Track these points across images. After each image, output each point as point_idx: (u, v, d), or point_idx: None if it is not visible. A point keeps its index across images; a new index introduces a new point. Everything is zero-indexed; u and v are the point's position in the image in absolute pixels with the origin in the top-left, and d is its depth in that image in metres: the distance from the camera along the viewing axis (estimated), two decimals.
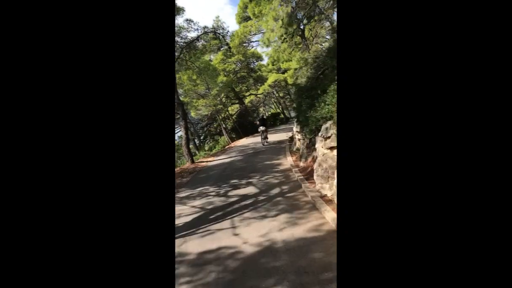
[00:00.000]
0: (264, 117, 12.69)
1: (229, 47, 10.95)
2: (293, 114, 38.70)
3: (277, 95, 35.86)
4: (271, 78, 28.93)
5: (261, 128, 11.10)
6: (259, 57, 22.67)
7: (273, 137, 13.46)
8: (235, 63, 21.28)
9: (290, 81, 30.73)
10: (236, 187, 5.68)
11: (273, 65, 33.59)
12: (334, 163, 3.72)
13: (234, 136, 20.41)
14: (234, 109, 25.27)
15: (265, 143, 11.14)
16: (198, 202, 5.13)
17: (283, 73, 31.98)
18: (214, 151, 16.51)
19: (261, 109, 41.12)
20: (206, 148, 20.55)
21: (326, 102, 4.44)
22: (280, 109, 36.62)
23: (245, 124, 20.24)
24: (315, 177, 4.23)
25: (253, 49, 25.18)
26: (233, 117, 21.18)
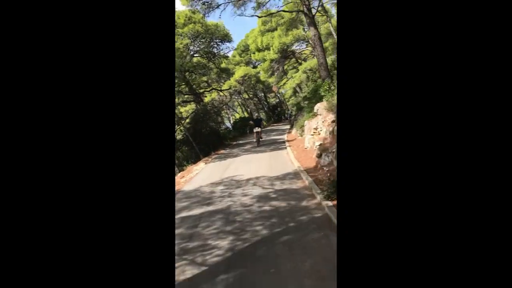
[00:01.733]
0: (260, 118, 12.52)
1: None
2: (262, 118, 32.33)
3: (243, 96, 28.99)
4: (240, 71, 22.04)
5: (257, 129, 10.74)
6: (225, 36, 15.59)
7: (255, 167, 6.52)
8: (189, 37, 13.85)
9: (263, 76, 24.14)
10: None
11: (241, 56, 26.75)
12: None
13: (186, 149, 13.07)
14: (189, 110, 17.73)
15: (260, 144, 10.65)
16: None
17: (254, 67, 25.38)
18: None
19: (223, 112, 33.90)
20: None
21: None
22: (248, 113, 29.77)
23: (203, 134, 12.88)
24: None
25: (219, 20, 18.08)
26: (185, 122, 13.72)
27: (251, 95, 27.62)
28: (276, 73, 22.63)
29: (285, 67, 23.66)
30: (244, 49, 25.47)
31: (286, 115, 31.65)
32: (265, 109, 30.73)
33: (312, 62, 16.63)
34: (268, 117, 30.26)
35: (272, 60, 20.07)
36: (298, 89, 22.06)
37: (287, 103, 38.21)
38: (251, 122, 12.12)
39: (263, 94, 30.64)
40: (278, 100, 35.35)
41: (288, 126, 20.60)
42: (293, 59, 23.80)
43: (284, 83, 25.61)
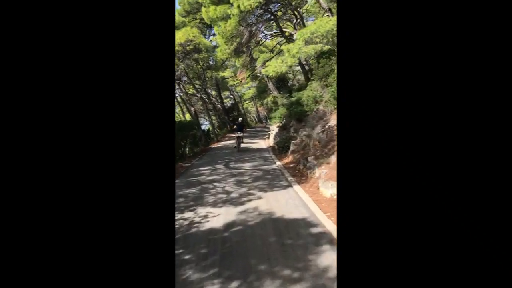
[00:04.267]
0: (242, 122, 10.60)
1: None
2: (207, 124, 21.38)
3: (188, 89, 18.29)
4: (179, 34, 11.87)
5: (239, 133, 9.71)
6: None
7: None
8: None
9: (221, 52, 13.95)
10: None
11: (184, 17, 16.38)
12: None
13: None
14: None
15: (240, 148, 9.58)
16: None
17: (205, 34, 15.21)
18: None
19: None
20: None
21: None
22: (192, 115, 19.23)
23: None
24: None
25: None
26: None
27: (198, 87, 17.28)
28: (244, 52, 12.85)
29: (254, 53, 14.11)
30: (192, 10, 15.34)
31: (243, 122, 22.29)
32: (216, 111, 20.59)
33: (328, 22, 7.37)
34: (222, 123, 20.32)
35: (241, 19, 10.31)
36: (271, 84, 12.87)
37: (244, 105, 28.99)
38: (234, 126, 10.35)
39: (215, 91, 20.56)
40: (233, 101, 25.77)
41: (261, 142, 11.17)
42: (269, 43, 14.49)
43: (249, 75, 16.08)
